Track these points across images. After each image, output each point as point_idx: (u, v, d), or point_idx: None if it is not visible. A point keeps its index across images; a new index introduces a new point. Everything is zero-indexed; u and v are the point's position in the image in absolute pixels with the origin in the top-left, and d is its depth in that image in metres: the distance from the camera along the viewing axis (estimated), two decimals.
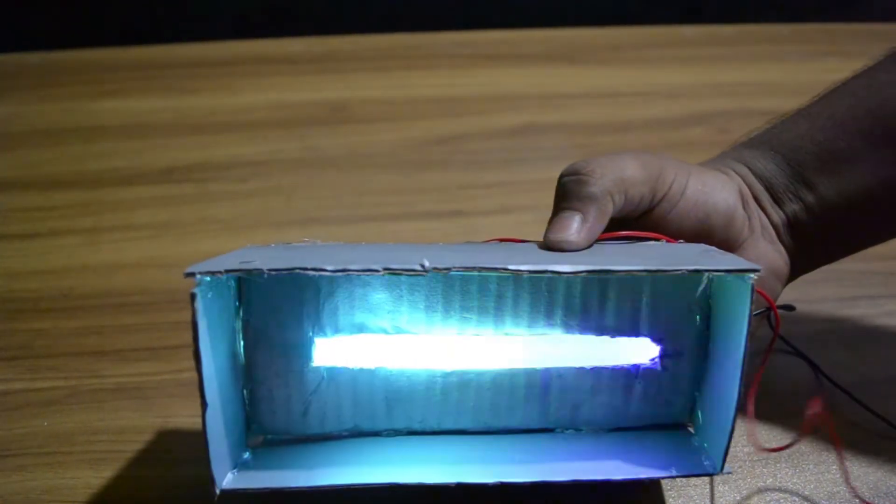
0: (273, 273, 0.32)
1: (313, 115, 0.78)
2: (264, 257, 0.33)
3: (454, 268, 0.32)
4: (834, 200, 0.40)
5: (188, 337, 0.50)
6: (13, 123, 0.76)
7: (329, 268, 0.31)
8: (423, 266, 0.32)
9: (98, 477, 0.41)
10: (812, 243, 0.42)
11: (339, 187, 0.67)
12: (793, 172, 0.41)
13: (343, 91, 0.82)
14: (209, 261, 0.32)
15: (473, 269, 0.32)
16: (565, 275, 0.33)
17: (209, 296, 0.32)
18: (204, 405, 0.32)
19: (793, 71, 0.90)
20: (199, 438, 0.43)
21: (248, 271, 0.32)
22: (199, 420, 0.44)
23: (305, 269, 0.31)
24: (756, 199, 0.42)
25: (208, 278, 0.32)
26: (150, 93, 0.81)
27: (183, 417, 0.44)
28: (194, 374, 0.48)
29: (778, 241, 0.42)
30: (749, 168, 0.42)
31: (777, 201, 0.42)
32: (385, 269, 0.32)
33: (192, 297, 0.31)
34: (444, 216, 0.64)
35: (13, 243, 0.59)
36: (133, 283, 0.55)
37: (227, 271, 0.31)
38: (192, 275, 0.31)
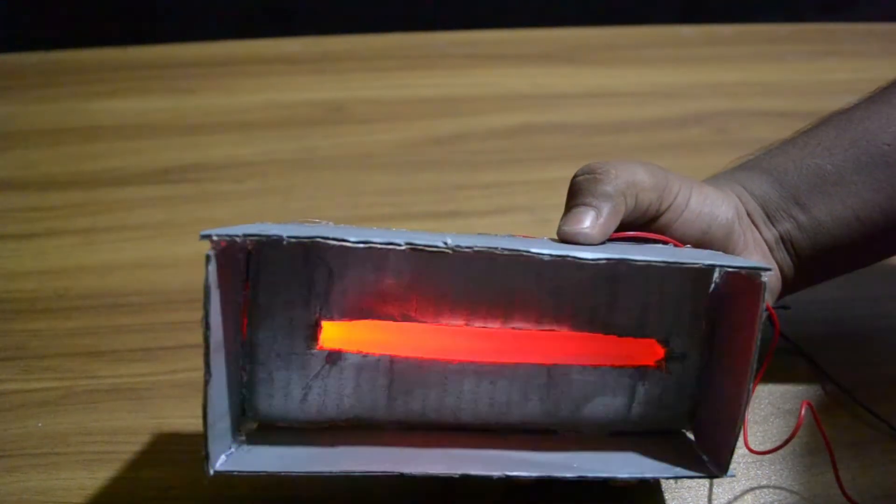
0: (293, 241, 0.31)
1: (310, 116, 0.78)
2: (281, 229, 0.32)
3: (476, 248, 0.32)
4: (826, 220, 0.42)
5: (184, 338, 0.51)
6: (11, 123, 0.76)
7: (351, 239, 0.31)
8: (445, 244, 0.32)
9: (92, 478, 0.41)
10: (806, 261, 0.43)
11: (336, 188, 0.67)
12: (785, 193, 0.43)
13: (340, 91, 0.82)
14: (225, 228, 0.32)
15: (495, 249, 0.32)
16: (585, 261, 0.33)
17: (222, 262, 0.31)
18: (207, 376, 0.31)
19: (792, 71, 0.90)
20: (194, 439, 0.43)
21: (267, 237, 0.31)
22: (195, 421, 0.44)
23: (326, 238, 0.31)
24: (750, 216, 0.43)
25: (223, 244, 0.31)
26: (148, 93, 0.81)
27: (178, 419, 0.44)
28: (189, 375, 0.48)
29: (770, 257, 0.43)
30: (743, 188, 0.44)
31: (771, 219, 0.43)
32: (408, 243, 0.31)
33: (207, 259, 0.30)
34: (441, 216, 0.64)
35: (9, 243, 0.59)
36: (129, 284, 0.55)
37: (245, 236, 0.31)
38: (208, 237, 0.30)
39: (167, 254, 0.58)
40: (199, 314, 0.51)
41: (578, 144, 0.74)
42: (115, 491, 0.40)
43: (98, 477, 0.41)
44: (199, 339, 0.50)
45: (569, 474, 0.34)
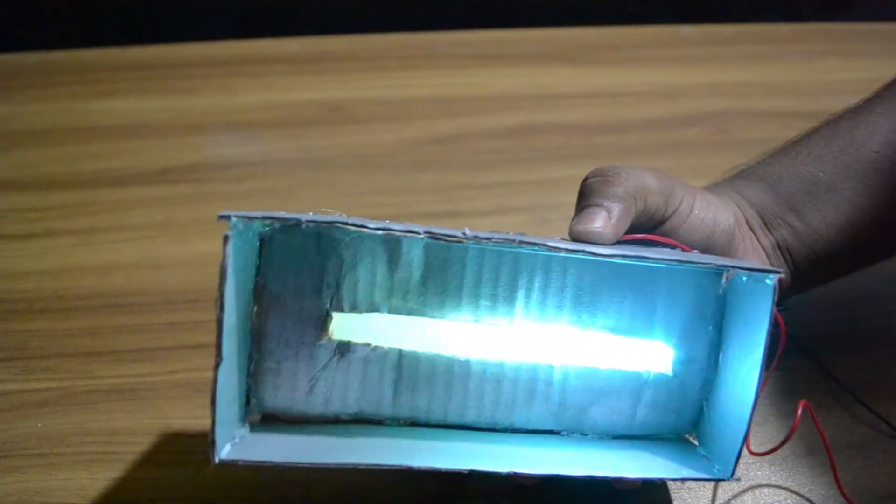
0: (311, 224, 0.31)
1: (310, 116, 0.77)
2: (299, 215, 0.32)
3: (494, 238, 0.32)
4: (820, 226, 0.43)
5: (183, 338, 0.51)
6: (10, 123, 0.76)
7: (371, 225, 0.31)
8: (464, 234, 0.32)
9: (92, 478, 0.41)
10: (802, 266, 0.44)
11: (335, 188, 0.67)
12: (781, 200, 0.44)
13: (340, 91, 0.82)
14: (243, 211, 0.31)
15: (513, 241, 0.32)
16: (601, 257, 0.33)
17: (237, 244, 0.31)
18: (218, 359, 0.30)
19: (791, 71, 0.90)
20: (193, 440, 0.43)
21: (286, 220, 0.31)
22: (194, 422, 0.44)
23: (346, 224, 0.31)
24: (748, 223, 0.44)
25: (241, 225, 0.31)
26: (147, 93, 0.81)
27: (177, 419, 0.44)
28: (189, 376, 0.48)
29: (769, 263, 0.44)
30: (741, 195, 0.44)
31: (767, 226, 0.44)
32: (427, 232, 0.32)
33: (225, 239, 0.30)
34: (441, 217, 0.64)
35: (9, 244, 0.59)
36: (128, 284, 0.55)
37: (265, 217, 0.31)
38: (226, 217, 0.30)
39: (167, 254, 0.58)
40: (199, 314, 0.51)
41: (578, 144, 0.74)
42: (115, 491, 0.40)
43: (97, 477, 0.41)
44: (199, 339, 0.50)
45: (577, 473, 0.34)
